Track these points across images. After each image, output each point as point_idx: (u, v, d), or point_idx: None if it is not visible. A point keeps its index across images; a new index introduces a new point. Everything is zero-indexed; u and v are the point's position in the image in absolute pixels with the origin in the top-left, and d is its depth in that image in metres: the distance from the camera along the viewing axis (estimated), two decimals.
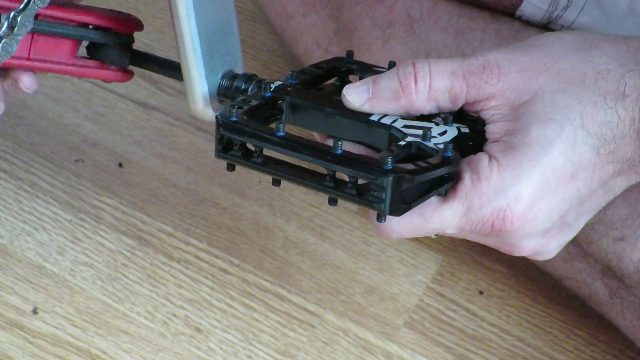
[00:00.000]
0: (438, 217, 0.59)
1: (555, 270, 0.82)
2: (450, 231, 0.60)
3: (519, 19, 0.83)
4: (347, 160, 0.56)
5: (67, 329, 0.82)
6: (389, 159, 0.55)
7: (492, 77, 0.59)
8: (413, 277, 0.87)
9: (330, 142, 0.58)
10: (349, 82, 0.66)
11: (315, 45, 0.90)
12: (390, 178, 0.54)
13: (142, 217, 0.90)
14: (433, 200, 0.58)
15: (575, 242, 0.79)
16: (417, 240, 0.89)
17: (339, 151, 0.56)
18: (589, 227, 0.77)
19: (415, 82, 0.59)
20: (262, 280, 0.86)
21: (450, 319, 0.85)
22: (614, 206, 0.76)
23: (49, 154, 0.94)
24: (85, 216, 0.89)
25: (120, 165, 0.94)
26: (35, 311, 0.83)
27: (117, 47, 0.71)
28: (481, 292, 0.87)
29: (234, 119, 0.58)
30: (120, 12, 0.71)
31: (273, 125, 0.62)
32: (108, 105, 0.99)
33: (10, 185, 0.91)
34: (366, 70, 0.66)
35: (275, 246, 0.89)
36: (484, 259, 0.88)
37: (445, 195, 0.59)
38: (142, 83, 1.00)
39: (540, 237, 0.61)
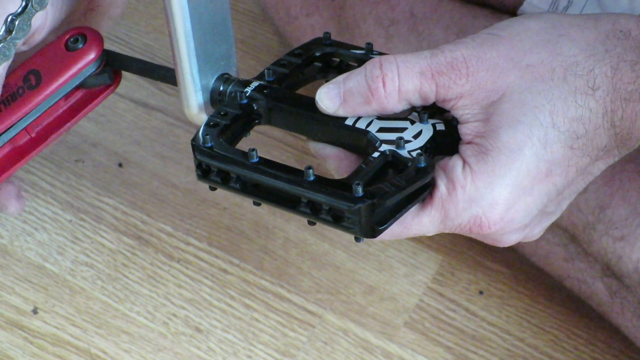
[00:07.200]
0: (417, 224, 0.59)
1: (556, 270, 0.82)
2: (430, 234, 0.60)
3: None
4: (319, 187, 0.56)
5: (67, 328, 0.82)
6: (360, 188, 0.55)
7: (461, 77, 0.58)
8: (413, 277, 0.87)
9: (312, 145, 0.59)
10: (332, 63, 0.66)
11: None
12: (362, 207, 0.55)
13: (142, 217, 0.90)
14: (412, 208, 0.59)
15: (575, 241, 0.79)
16: (417, 240, 0.89)
17: (311, 178, 0.56)
18: (589, 227, 0.77)
19: (384, 85, 0.59)
20: (262, 280, 0.86)
21: (450, 319, 0.85)
22: (614, 206, 0.76)
23: (49, 154, 0.94)
24: (85, 216, 0.89)
25: (120, 165, 0.94)
26: (35, 311, 0.83)
27: (94, 76, 0.68)
28: (481, 292, 0.87)
29: (209, 144, 0.59)
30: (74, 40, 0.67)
31: (258, 127, 0.62)
32: (108, 105, 0.99)
33: None
34: (346, 54, 0.66)
35: (275, 246, 0.89)
36: (484, 259, 0.88)
37: (422, 202, 0.59)
38: (142, 83, 1.00)
39: (521, 231, 0.61)
